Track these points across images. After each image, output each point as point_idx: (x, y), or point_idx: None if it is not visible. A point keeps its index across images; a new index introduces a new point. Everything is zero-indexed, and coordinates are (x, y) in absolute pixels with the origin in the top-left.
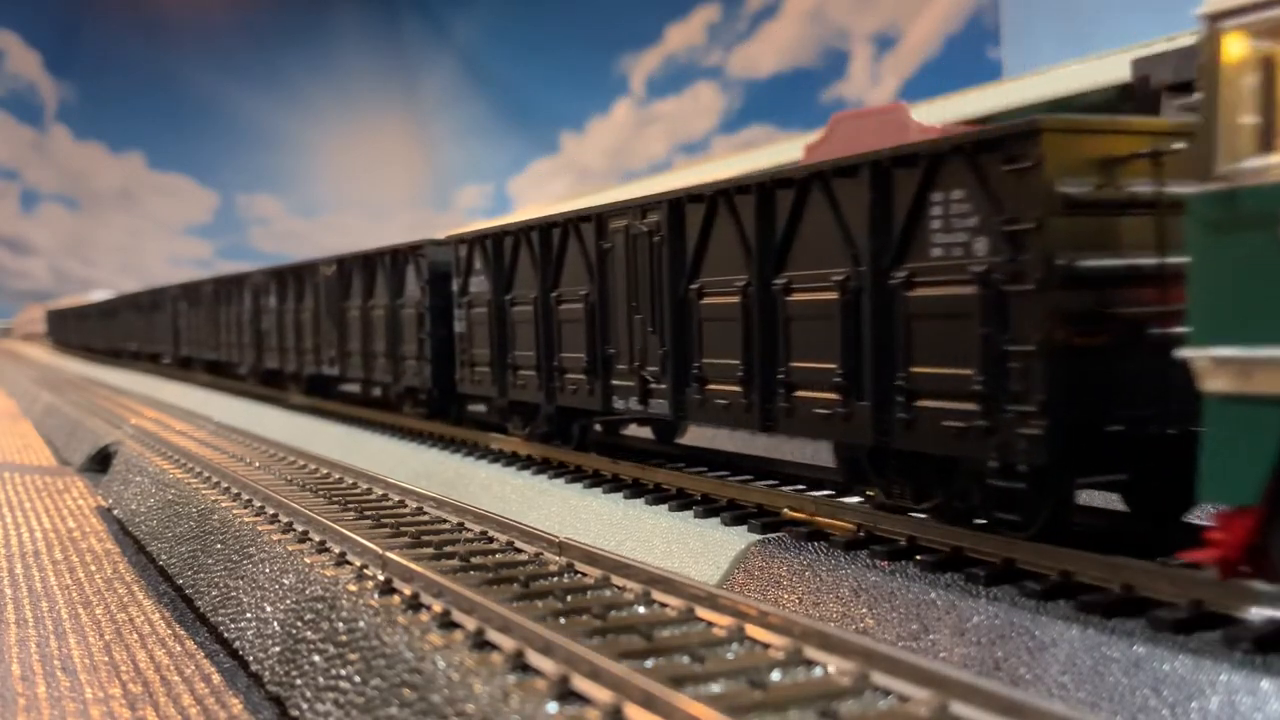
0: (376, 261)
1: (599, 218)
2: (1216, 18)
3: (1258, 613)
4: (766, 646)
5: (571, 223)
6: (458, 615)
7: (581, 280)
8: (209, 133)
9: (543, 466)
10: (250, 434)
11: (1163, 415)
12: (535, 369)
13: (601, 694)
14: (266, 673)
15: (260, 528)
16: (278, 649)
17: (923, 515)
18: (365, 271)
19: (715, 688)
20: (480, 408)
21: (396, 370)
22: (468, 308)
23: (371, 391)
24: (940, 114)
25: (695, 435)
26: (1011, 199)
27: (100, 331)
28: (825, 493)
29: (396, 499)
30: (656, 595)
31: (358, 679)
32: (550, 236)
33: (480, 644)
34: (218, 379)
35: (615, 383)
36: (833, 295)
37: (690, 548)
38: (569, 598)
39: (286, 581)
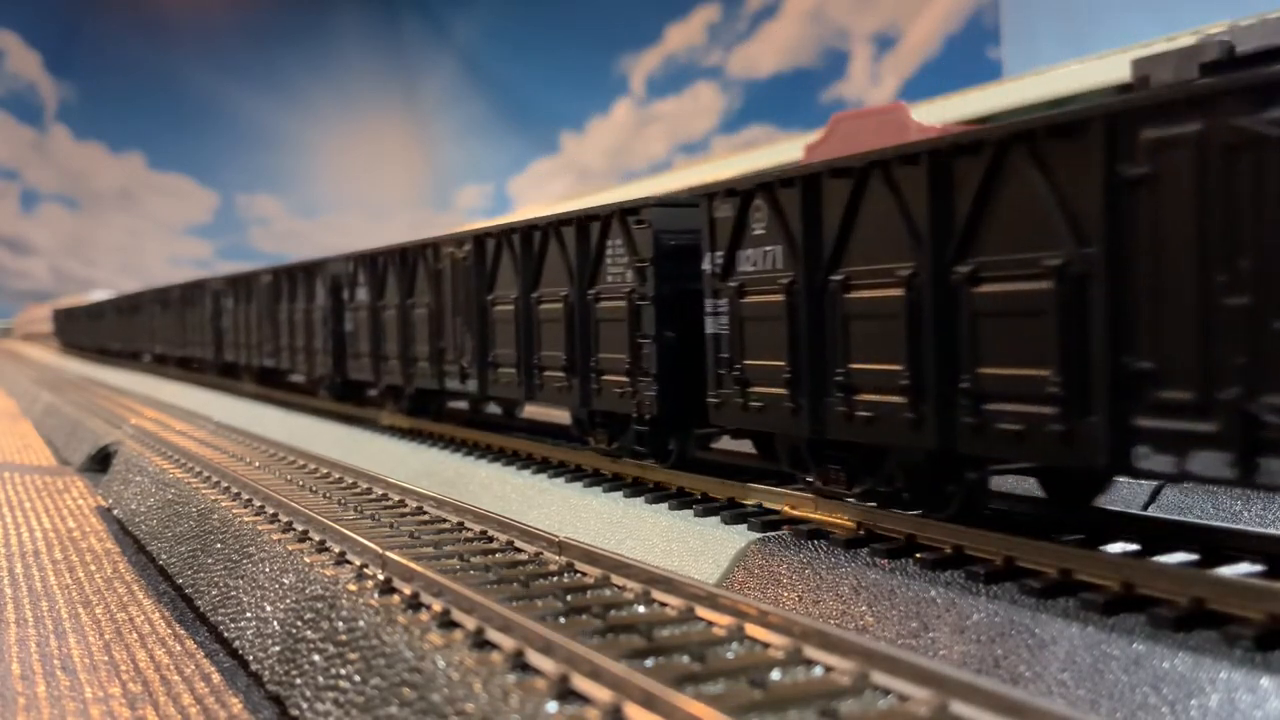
0: (547, 235)
1: (1128, 115)
2: None
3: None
4: (766, 646)
5: (1019, 139)
6: (457, 615)
7: (1051, 237)
8: (209, 133)
9: (542, 466)
10: (250, 434)
11: None
12: (906, 391)
13: (601, 693)
14: (266, 672)
15: (260, 527)
16: (277, 648)
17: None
18: (524, 250)
19: (715, 687)
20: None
21: (585, 389)
22: (736, 296)
23: (478, 409)
24: (940, 114)
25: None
26: None
27: (118, 332)
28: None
29: (396, 498)
30: (656, 595)
31: (357, 678)
32: (949, 169)
33: (480, 643)
34: (273, 391)
35: (1177, 426)
36: None
37: (690, 546)
38: (569, 597)
39: (286, 581)
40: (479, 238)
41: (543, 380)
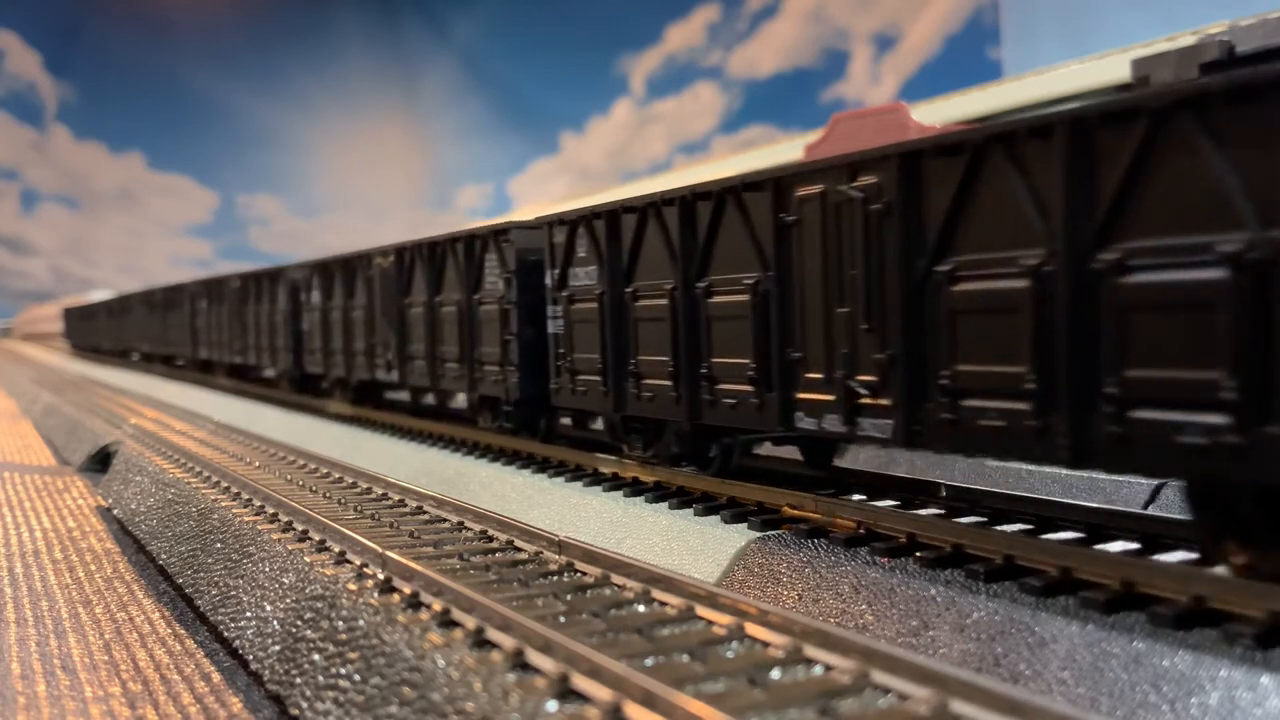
0: (1159, 141)
1: None
2: None
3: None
4: (767, 645)
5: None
6: (457, 614)
7: None
8: (209, 133)
9: (542, 465)
10: (250, 434)
11: None
12: None
13: (601, 692)
14: (266, 671)
15: (260, 527)
16: (277, 648)
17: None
18: (1070, 174)
19: (715, 686)
20: None
21: None
22: None
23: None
24: (940, 114)
25: None
26: None
27: (146, 332)
28: (826, 491)
29: (396, 498)
30: (656, 594)
31: (357, 677)
32: None
33: (480, 643)
34: (374, 413)
35: None
36: None
37: (690, 545)
38: (569, 596)
39: (286, 580)
40: (911, 155)
41: (1132, 426)
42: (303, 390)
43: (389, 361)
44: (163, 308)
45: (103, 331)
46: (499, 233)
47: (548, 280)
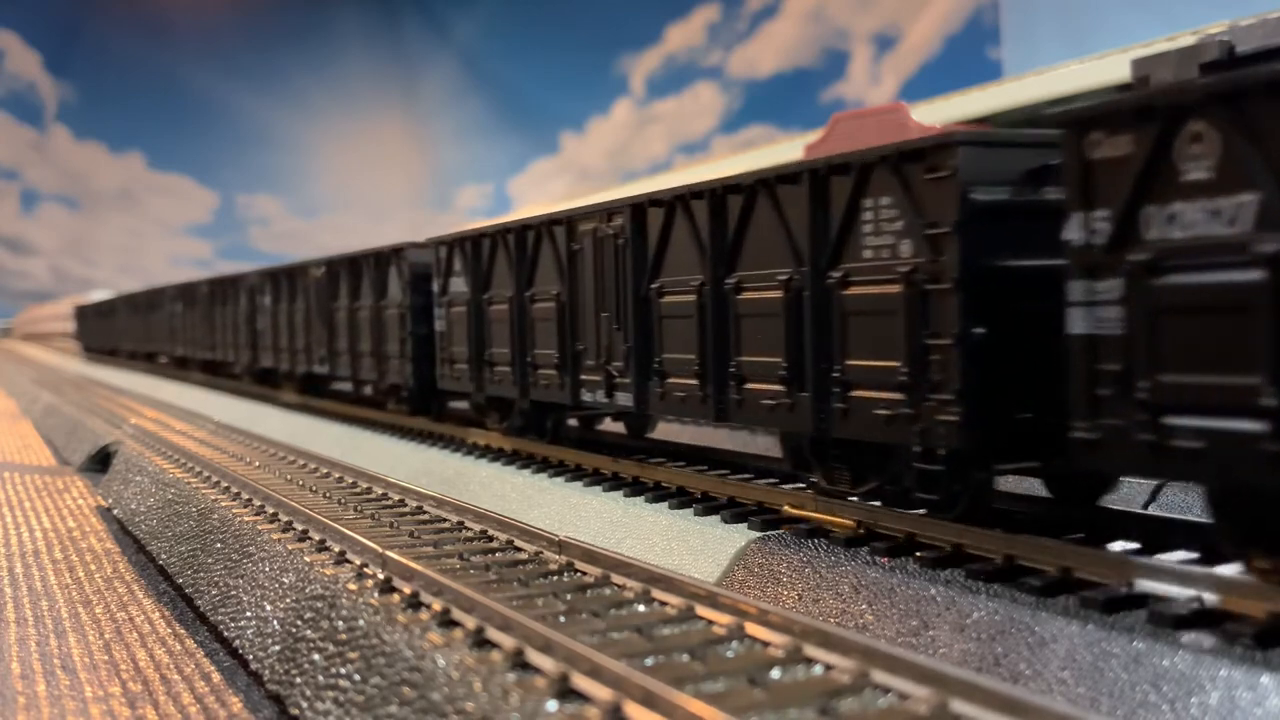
0: None
1: None
2: None
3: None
4: (766, 645)
5: None
6: (457, 614)
7: None
8: (209, 133)
9: (543, 465)
10: (250, 434)
11: None
12: None
13: (601, 692)
14: (266, 671)
15: (260, 527)
16: (277, 647)
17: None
18: None
19: (715, 686)
20: None
21: None
22: None
23: None
24: (940, 114)
25: None
26: None
27: (182, 334)
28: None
29: (396, 498)
30: (656, 593)
31: (357, 677)
32: None
33: (480, 642)
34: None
35: None
36: None
37: (690, 545)
38: (569, 596)
39: (286, 580)
40: None
41: None
42: (422, 411)
43: (611, 378)
44: (207, 304)
45: (124, 332)
46: (909, 155)
47: (1073, 234)
